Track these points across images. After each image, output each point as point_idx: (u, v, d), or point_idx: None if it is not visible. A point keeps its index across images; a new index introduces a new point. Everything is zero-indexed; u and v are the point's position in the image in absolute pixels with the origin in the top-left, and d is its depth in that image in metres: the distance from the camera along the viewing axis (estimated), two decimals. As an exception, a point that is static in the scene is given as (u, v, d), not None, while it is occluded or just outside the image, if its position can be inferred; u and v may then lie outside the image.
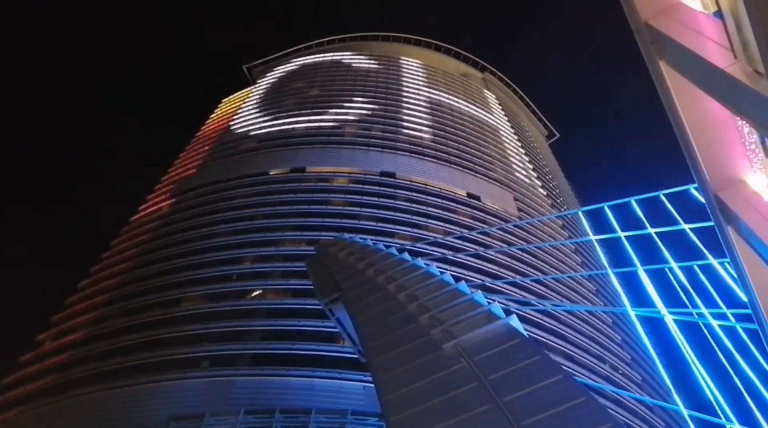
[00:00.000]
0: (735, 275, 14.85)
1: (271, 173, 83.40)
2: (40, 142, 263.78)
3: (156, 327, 59.23)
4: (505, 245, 74.18)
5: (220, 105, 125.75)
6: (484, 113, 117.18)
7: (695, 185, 16.38)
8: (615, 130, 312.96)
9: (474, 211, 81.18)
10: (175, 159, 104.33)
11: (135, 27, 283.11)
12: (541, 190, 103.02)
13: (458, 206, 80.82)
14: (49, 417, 53.26)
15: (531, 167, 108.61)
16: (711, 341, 19.77)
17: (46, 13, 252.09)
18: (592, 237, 30.15)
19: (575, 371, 59.92)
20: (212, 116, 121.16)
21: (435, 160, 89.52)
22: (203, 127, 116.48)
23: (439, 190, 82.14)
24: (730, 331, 19.25)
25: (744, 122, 11.27)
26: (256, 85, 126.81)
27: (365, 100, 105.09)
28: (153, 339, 57.74)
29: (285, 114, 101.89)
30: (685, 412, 19.76)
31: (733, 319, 18.97)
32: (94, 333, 62.82)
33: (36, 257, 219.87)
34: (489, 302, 17.78)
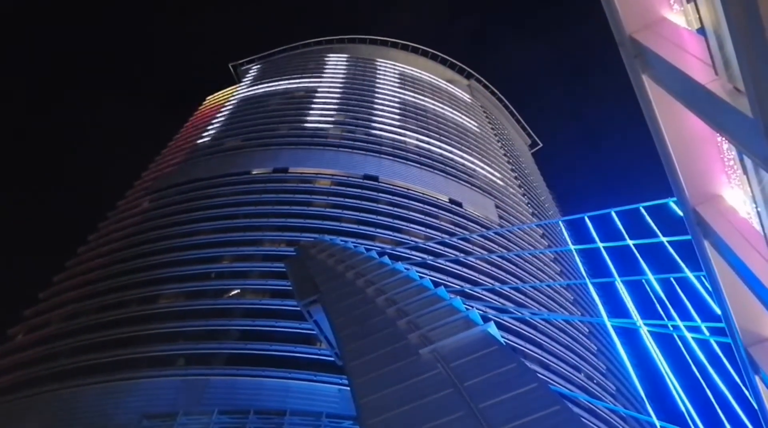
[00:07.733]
0: (710, 288, 15.01)
1: (253, 173, 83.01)
2: (16, 126, 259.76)
3: (131, 324, 58.62)
4: (485, 252, 74.50)
5: (204, 102, 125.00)
6: (468, 120, 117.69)
7: (674, 199, 16.56)
8: (598, 142, 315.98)
9: (455, 217, 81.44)
10: (157, 154, 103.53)
11: (126, 15, 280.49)
12: (523, 199, 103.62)
13: (440, 211, 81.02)
14: (18, 413, 52.36)
15: (514, 175, 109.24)
16: (685, 353, 19.96)
17: None
18: (572, 247, 30.35)
19: (551, 379, 60.27)
20: (196, 112, 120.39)
21: (418, 165, 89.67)
22: (186, 123, 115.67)
23: (421, 195, 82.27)
24: (704, 344, 19.44)
25: (723, 138, 11.41)
26: (242, 83, 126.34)
27: (350, 102, 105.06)
28: (128, 336, 57.14)
29: (269, 114, 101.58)
30: (657, 423, 19.93)
31: (707, 332, 19.14)
32: (68, 329, 61.93)
33: (9, 249, 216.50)
34: (467, 309, 17.83)
